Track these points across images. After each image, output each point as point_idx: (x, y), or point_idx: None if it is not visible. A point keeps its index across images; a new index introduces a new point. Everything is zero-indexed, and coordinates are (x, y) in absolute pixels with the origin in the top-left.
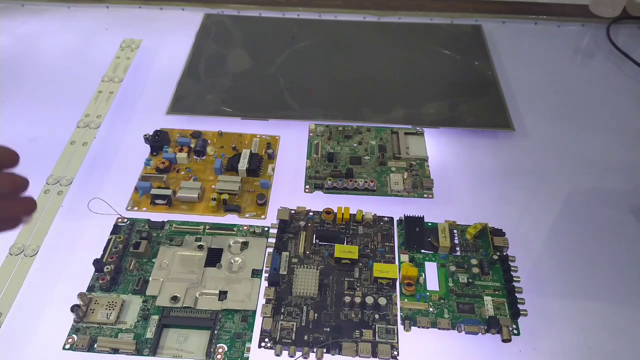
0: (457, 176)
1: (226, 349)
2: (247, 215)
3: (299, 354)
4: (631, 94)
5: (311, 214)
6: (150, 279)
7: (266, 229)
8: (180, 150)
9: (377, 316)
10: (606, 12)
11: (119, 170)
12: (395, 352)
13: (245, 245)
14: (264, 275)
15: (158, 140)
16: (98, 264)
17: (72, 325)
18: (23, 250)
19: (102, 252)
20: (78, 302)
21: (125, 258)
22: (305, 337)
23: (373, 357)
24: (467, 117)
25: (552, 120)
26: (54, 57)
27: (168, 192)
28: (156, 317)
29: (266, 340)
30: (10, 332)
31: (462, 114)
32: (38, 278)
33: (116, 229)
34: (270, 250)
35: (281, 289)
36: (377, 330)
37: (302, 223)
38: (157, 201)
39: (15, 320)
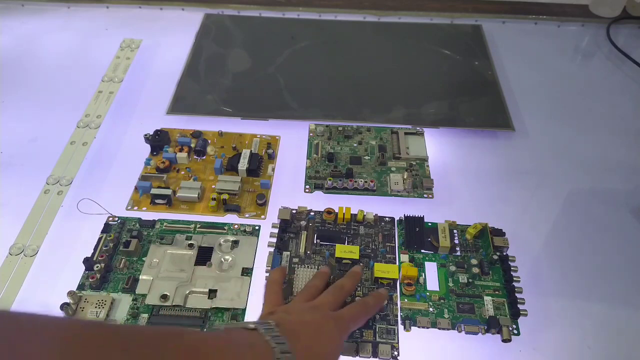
0: (457, 176)
1: None
2: (246, 215)
3: None
4: (631, 94)
5: (312, 213)
6: (140, 277)
7: (257, 227)
8: (181, 150)
9: (377, 316)
10: (606, 12)
11: (119, 170)
12: (396, 352)
13: (235, 243)
14: (255, 273)
15: (158, 140)
16: (88, 262)
17: None
18: (23, 250)
19: (92, 251)
20: (68, 300)
21: (116, 257)
22: None
23: (373, 357)
24: (467, 117)
25: (552, 120)
26: (54, 57)
27: (168, 191)
28: (146, 315)
29: None
30: None
31: (462, 114)
32: (38, 278)
33: (107, 228)
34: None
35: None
36: (377, 330)
37: (303, 223)
38: (157, 201)
39: None
